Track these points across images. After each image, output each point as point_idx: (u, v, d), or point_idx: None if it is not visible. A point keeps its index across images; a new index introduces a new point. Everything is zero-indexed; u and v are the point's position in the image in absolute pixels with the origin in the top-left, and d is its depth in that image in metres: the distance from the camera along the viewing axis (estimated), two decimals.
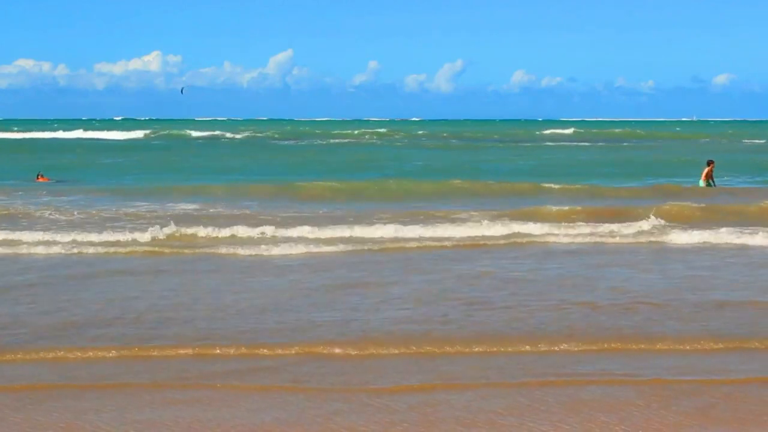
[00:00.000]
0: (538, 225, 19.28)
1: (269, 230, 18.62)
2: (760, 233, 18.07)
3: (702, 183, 29.10)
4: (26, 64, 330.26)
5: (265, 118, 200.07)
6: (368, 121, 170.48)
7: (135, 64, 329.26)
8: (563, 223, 19.70)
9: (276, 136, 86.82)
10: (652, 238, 18.20)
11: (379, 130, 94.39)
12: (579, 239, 18.16)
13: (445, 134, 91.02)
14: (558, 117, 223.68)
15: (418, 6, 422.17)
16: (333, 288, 12.79)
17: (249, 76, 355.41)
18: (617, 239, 18.18)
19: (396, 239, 17.90)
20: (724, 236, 17.96)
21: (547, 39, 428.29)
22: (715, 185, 29.23)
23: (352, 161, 46.92)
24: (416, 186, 29.62)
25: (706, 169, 29.22)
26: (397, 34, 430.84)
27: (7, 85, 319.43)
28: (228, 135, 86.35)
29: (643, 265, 15.02)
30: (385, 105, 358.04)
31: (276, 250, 16.35)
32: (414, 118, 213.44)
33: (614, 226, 19.31)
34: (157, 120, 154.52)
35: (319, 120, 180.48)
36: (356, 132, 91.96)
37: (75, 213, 21.88)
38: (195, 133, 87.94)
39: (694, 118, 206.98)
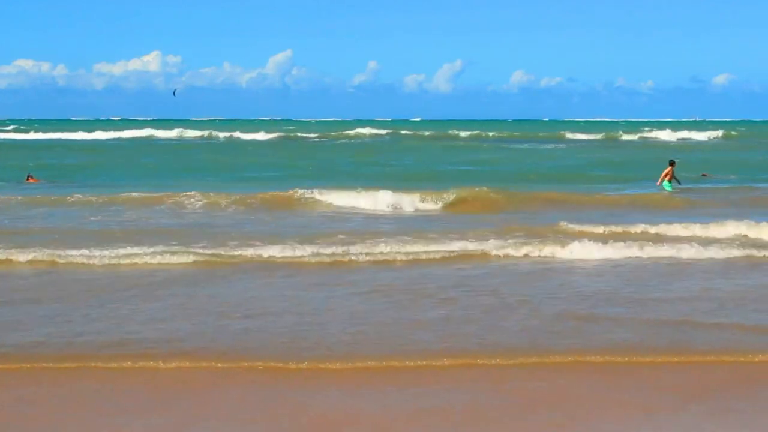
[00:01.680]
0: None
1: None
2: None
3: (666, 185, 29.22)
4: (25, 64, 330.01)
5: (266, 118, 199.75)
6: (372, 120, 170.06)
7: (134, 64, 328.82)
8: None
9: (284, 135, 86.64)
10: None
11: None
12: None
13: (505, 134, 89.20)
14: (557, 117, 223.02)
15: (418, 6, 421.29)
16: None
17: (248, 76, 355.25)
18: None
19: None
20: None
21: (546, 39, 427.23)
22: (680, 184, 29.43)
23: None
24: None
25: (668, 169, 29.38)
26: (396, 34, 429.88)
27: (6, 86, 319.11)
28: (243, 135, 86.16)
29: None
30: (384, 105, 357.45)
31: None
32: (416, 119, 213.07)
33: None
34: (156, 120, 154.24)
35: (320, 120, 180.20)
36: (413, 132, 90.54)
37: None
38: (192, 133, 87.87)
39: (697, 118, 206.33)
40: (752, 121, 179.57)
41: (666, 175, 29.36)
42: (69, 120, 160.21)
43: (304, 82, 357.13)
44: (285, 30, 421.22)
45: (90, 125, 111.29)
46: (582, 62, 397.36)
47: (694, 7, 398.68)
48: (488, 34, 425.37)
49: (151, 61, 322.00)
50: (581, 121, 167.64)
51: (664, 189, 29.14)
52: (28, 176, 34.38)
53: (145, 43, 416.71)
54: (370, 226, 20.38)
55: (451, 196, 25.78)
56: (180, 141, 77.62)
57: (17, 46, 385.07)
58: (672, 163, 29.71)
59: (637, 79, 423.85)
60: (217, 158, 50.78)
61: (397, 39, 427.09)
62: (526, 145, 70.18)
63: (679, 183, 29.56)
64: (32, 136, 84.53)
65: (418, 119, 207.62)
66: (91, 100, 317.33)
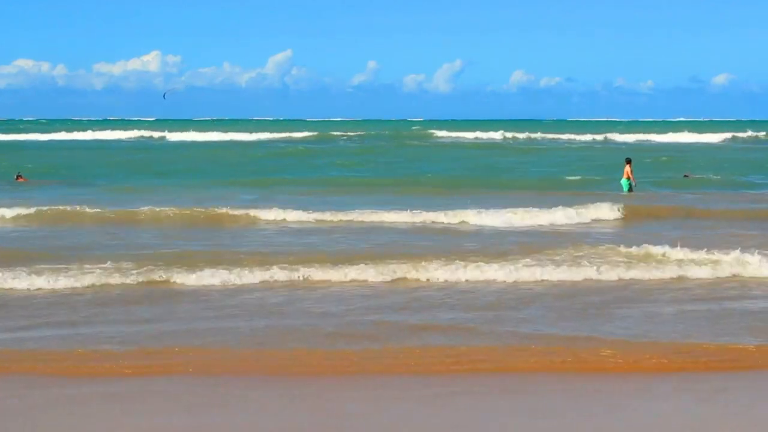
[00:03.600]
0: None
1: None
2: None
3: (624, 184, 29.41)
4: (25, 64, 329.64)
5: (271, 118, 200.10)
6: (374, 121, 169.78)
7: (134, 64, 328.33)
8: None
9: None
10: None
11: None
12: None
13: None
14: (557, 117, 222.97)
15: (417, 6, 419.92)
16: None
17: (248, 76, 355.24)
18: None
19: None
20: None
21: (545, 39, 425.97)
22: (634, 185, 29.48)
23: None
24: None
25: (627, 168, 29.53)
26: (396, 34, 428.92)
27: (6, 85, 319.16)
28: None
29: None
30: (384, 105, 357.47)
31: None
32: (418, 118, 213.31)
33: None
34: (156, 121, 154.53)
35: (319, 120, 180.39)
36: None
37: None
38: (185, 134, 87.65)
39: (703, 119, 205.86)
40: (753, 121, 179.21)
41: (627, 174, 29.55)
42: (64, 120, 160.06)
43: (303, 82, 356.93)
44: (285, 30, 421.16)
45: (86, 125, 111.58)
46: (581, 62, 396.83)
47: (694, 7, 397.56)
48: (488, 34, 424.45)
49: (151, 61, 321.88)
50: (582, 121, 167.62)
51: (622, 188, 29.42)
52: (17, 176, 34.85)
53: (144, 43, 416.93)
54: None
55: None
56: (173, 142, 77.75)
57: (17, 46, 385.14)
58: (628, 161, 29.90)
59: (637, 79, 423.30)
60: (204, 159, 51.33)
61: (396, 39, 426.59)
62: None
63: (634, 183, 29.59)
64: (27, 136, 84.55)
65: (420, 119, 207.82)
66: (90, 100, 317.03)
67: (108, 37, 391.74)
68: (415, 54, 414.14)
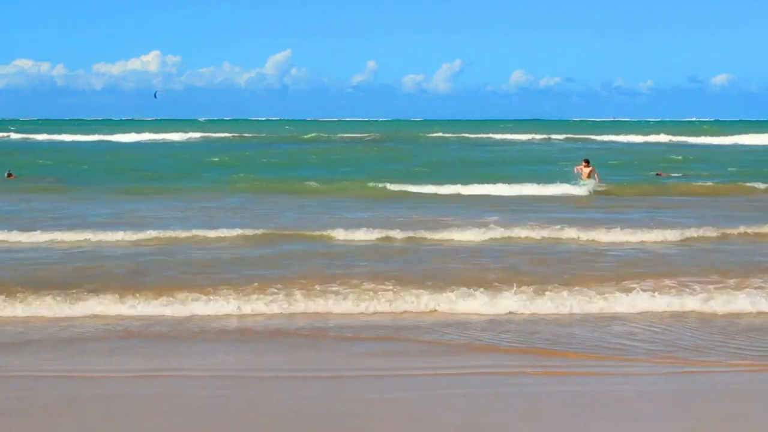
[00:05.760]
0: None
1: None
2: None
3: (583, 182, 29.02)
4: (24, 64, 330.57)
5: (273, 118, 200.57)
6: (372, 121, 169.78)
7: (134, 64, 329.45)
8: None
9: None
10: None
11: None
12: None
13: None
14: (556, 117, 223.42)
15: (417, 6, 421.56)
16: None
17: (247, 76, 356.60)
18: None
19: None
20: None
21: (545, 39, 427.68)
22: (582, 183, 29.03)
23: None
24: None
25: (585, 169, 29.30)
26: (395, 34, 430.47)
27: (5, 85, 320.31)
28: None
29: None
30: (383, 105, 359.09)
31: None
32: (417, 118, 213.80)
33: None
34: (156, 121, 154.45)
35: (318, 120, 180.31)
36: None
37: None
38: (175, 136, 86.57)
39: (712, 119, 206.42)
40: (752, 121, 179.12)
41: (582, 172, 29.31)
42: (69, 120, 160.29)
43: (303, 81, 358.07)
44: (284, 30, 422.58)
45: (84, 126, 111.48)
46: (580, 62, 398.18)
47: (694, 7, 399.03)
48: (488, 34, 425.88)
49: (151, 61, 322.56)
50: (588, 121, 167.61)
51: (581, 185, 29.01)
52: (7, 173, 34.74)
53: (144, 43, 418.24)
54: None
55: None
56: (166, 143, 77.27)
57: (16, 46, 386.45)
58: (586, 162, 29.65)
59: (636, 79, 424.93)
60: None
61: (396, 39, 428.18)
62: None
63: (583, 183, 29.11)
64: (24, 137, 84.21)
65: (419, 119, 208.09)
66: (90, 100, 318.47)
67: (108, 37, 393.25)
68: (414, 54, 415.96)
